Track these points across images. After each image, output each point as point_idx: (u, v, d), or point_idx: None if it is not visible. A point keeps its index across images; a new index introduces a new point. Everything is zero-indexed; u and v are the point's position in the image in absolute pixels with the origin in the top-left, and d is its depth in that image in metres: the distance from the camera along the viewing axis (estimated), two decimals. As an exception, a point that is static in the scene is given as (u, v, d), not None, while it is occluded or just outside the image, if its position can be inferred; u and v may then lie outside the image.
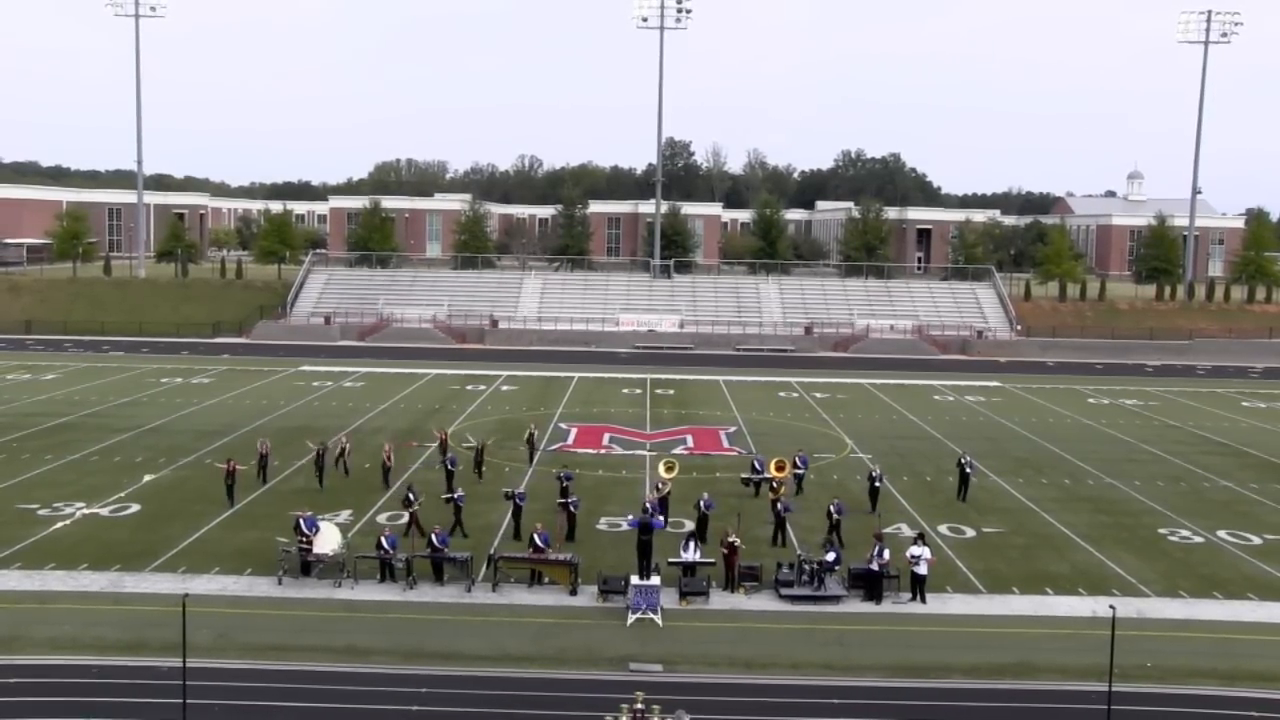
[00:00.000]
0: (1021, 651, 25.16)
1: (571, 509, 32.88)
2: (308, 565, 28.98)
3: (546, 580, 28.65)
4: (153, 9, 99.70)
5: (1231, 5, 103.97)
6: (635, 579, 27.14)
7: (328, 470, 39.25)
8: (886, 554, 28.38)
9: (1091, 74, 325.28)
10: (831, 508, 33.02)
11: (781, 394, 63.95)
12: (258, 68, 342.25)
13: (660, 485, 35.39)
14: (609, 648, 24.82)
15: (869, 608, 27.68)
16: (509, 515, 33.61)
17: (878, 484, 37.06)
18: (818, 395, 63.47)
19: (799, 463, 39.88)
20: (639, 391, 63.92)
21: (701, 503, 32.73)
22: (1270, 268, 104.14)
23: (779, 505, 33.26)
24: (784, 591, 28.10)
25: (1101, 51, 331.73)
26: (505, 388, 64.42)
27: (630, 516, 34.05)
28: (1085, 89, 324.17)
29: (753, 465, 39.84)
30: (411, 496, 32.50)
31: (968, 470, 39.32)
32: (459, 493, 34.10)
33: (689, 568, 28.35)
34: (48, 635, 24.74)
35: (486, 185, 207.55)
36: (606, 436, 49.30)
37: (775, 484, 35.96)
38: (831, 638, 25.79)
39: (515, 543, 31.59)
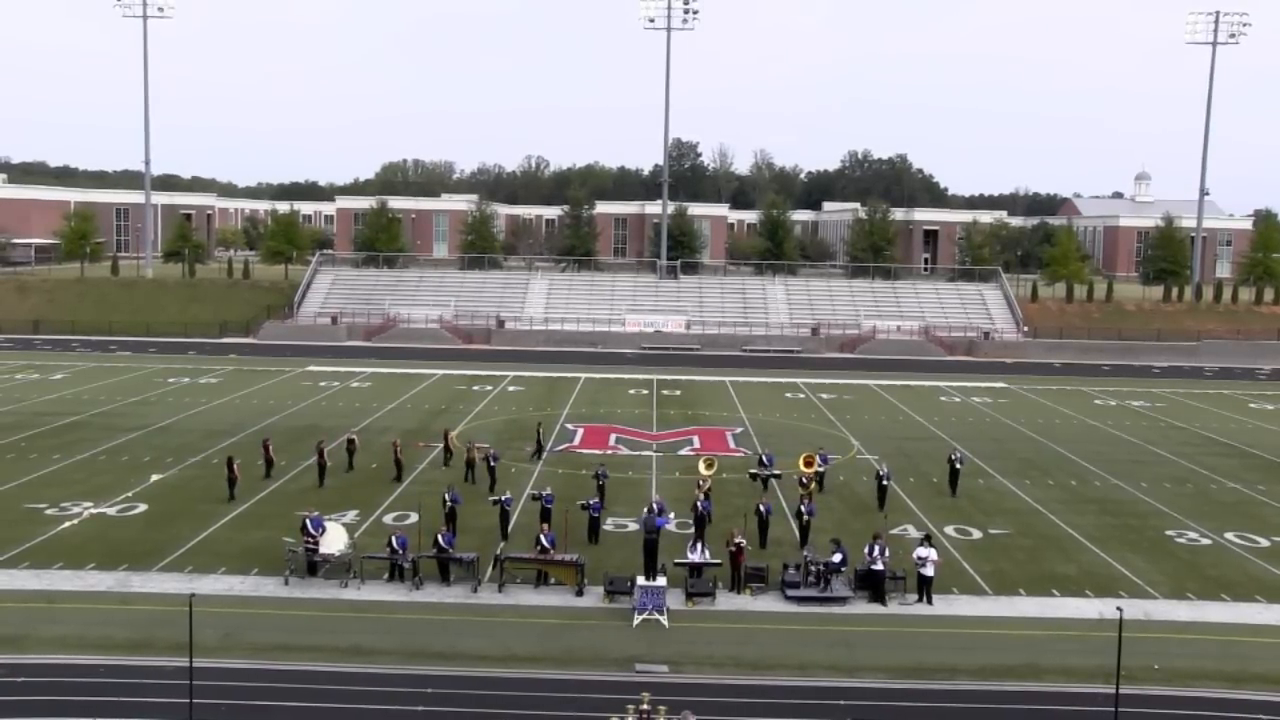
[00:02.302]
0: (1028, 653, 25.12)
1: (593, 513, 32.85)
2: (314, 565, 29.03)
3: (552, 581, 28.65)
4: (160, 10, 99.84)
5: (1239, 6, 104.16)
6: (641, 579, 27.15)
7: (336, 468, 39.59)
8: (887, 553, 28.36)
9: (1099, 75, 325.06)
10: (803, 508, 32.95)
11: (788, 395, 63.91)
12: (264, 68, 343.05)
13: (701, 482, 35.68)
14: (615, 648, 24.82)
15: (875, 609, 27.65)
16: (517, 515, 33.64)
17: (885, 483, 37.11)
18: (824, 396, 63.42)
19: (820, 460, 39.98)
20: (645, 392, 63.92)
21: (698, 503, 32.73)
22: (1278, 269, 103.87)
23: (802, 507, 33.15)
24: (790, 593, 28.08)
25: (1109, 52, 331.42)
26: (512, 388, 64.46)
27: (648, 511, 34.09)
28: (1093, 90, 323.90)
29: (760, 460, 39.95)
30: (448, 498, 32.57)
31: (958, 466, 39.43)
32: (506, 495, 34.13)
33: (695, 568, 28.35)
34: (55, 634, 24.79)
35: (493, 185, 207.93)
36: (613, 437, 49.30)
37: (805, 479, 36.24)
38: (838, 639, 25.77)
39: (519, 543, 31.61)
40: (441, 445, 43.27)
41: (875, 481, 37.66)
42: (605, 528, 33.63)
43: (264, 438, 41.92)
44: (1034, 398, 64.66)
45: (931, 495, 39.34)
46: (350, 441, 42.35)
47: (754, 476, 39.49)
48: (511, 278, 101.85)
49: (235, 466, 37.34)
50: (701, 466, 36.49)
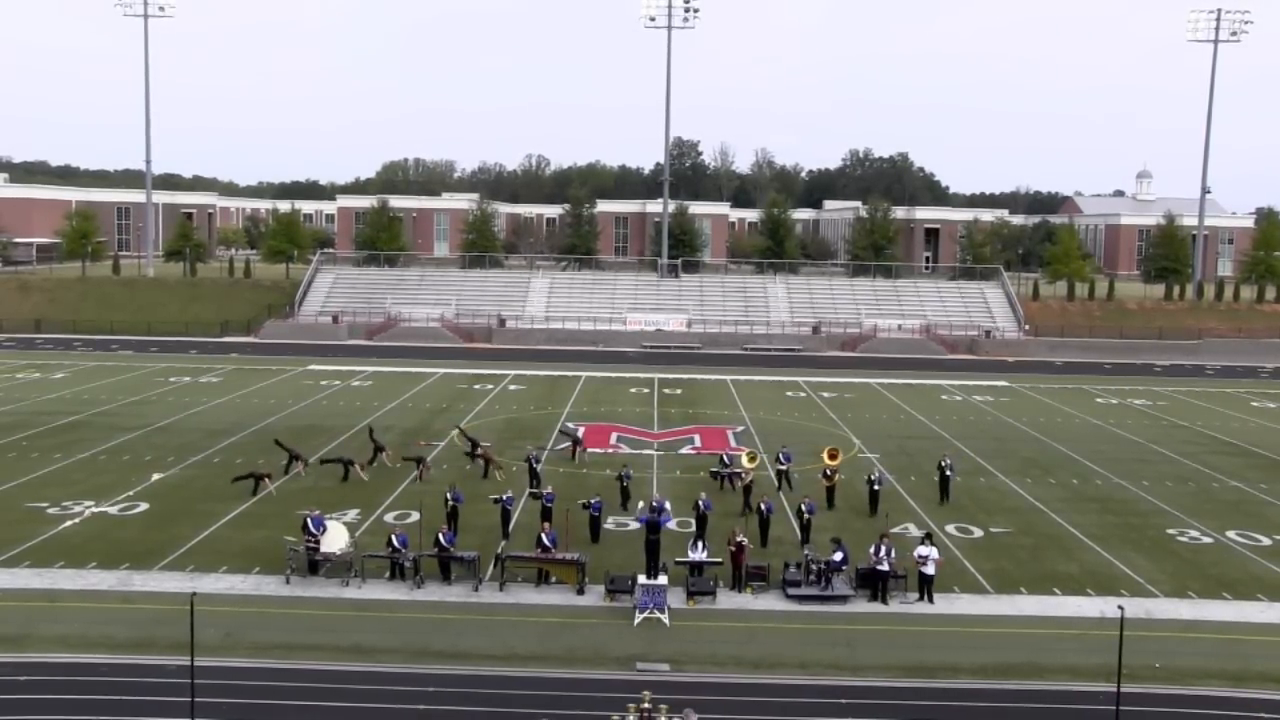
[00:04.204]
0: (1029, 652, 25.12)
1: (593, 512, 32.86)
2: (315, 564, 29.04)
3: (554, 580, 28.66)
4: (161, 9, 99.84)
5: (1241, 4, 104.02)
6: (643, 578, 27.15)
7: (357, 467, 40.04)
8: (894, 554, 28.34)
9: (1100, 73, 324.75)
10: (803, 506, 32.91)
11: (789, 394, 63.89)
12: (266, 68, 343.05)
13: (744, 475, 35.93)
14: (616, 647, 24.82)
15: (876, 608, 27.64)
16: (518, 514, 33.66)
17: (877, 488, 36.72)
18: (825, 395, 63.40)
19: (781, 459, 40.02)
20: (646, 391, 63.91)
21: (700, 503, 32.74)
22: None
23: (803, 505, 33.06)
24: (791, 591, 28.07)
25: (1110, 50, 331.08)
26: (513, 387, 64.45)
27: (640, 513, 34.06)
28: (1094, 88, 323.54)
29: (721, 459, 40.69)
30: (449, 496, 32.63)
31: (948, 473, 38.73)
32: (508, 495, 34.11)
33: (696, 567, 28.35)
34: (57, 633, 24.80)
35: (494, 185, 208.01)
36: (614, 436, 49.28)
37: (829, 472, 36.71)
38: (839, 638, 25.76)
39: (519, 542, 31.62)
40: (472, 453, 42.90)
41: (867, 487, 37.09)
42: (606, 526, 33.62)
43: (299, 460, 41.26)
44: (1035, 396, 64.64)
45: (932, 494, 39.25)
46: (379, 449, 42.38)
47: (714, 475, 39.67)
48: (512, 277, 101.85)
49: (268, 479, 37.53)
50: (744, 459, 36.87)
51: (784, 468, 39.62)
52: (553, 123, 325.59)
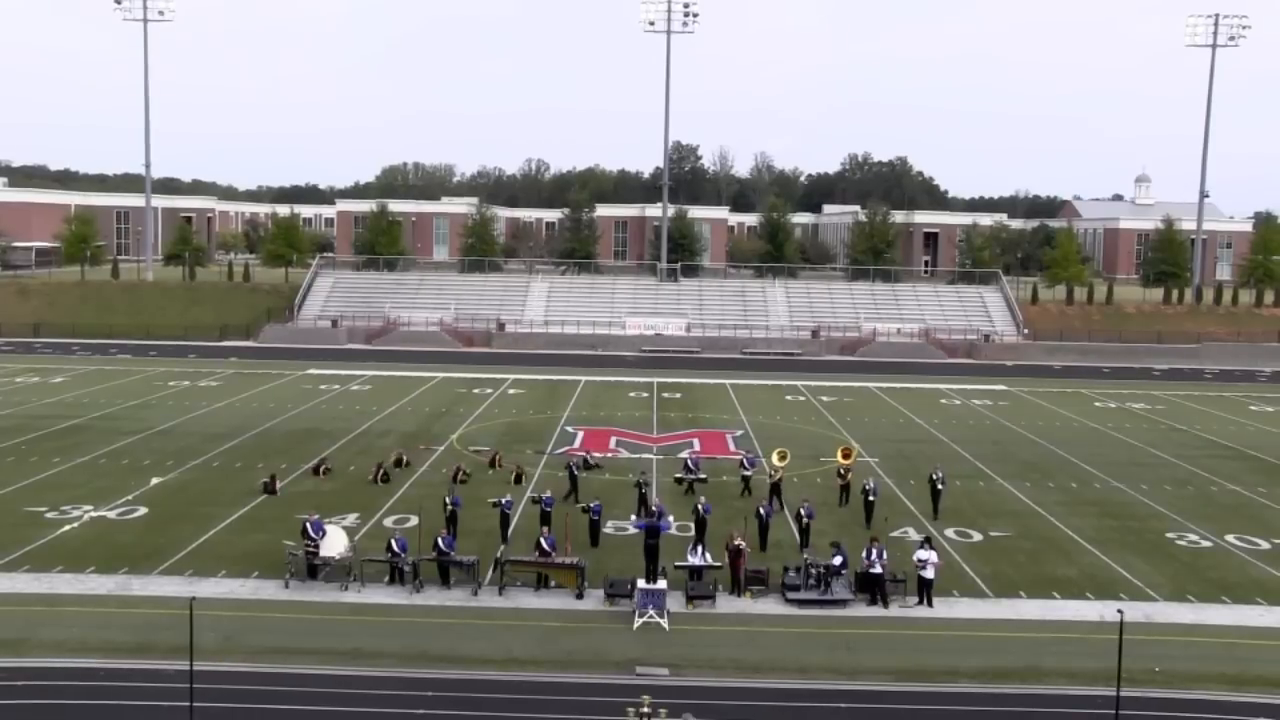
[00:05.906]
0: (1029, 655, 25.12)
1: (593, 515, 32.84)
2: (314, 568, 29.02)
3: (553, 583, 28.66)
4: (161, 13, 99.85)
5: (1239, 8, 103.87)
6: (642, 582, 27.15)
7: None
8: (885, 555, 28.35)
9: (1099, 77, 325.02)
10: (802, 510, 32.88)
11: (788, 397, 63.90)
12: (265, 72, 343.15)
13: (773, 473, 36.15)
14: (615, 651, 24.81)
15: (875, 611, 27.65)
16: (517, 518, 33.67)
17: (872, 498, 36.52)
18: (824, 398, 63.40)
19: (746, 464, 40.13)
20: (645, 395, 63.91)
21: (700, 506, 32.70)
22: (1278, 271, 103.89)
23: (801, 509, 33.04)
24: (790, 595, 28.08)
25: (1109, 55, 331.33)
26: (512, 391, 64.45)
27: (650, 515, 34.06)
28: (1093, 93, 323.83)
29: (685, 465, 40.91)
30: (448, 500, 32.69)
31: (939, 486, 37.77)
32: (507, 498, 34.08)
33: (696, 571, 28.35)
34: (55, 637, 24.79)
35: (493, 188, 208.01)
36: (613, 440, 49.28)
37: (842, 469, 37.11)
38: (838, 642, 25.76)
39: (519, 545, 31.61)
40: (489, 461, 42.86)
41: (862, 497, 36.64)
42: (606, 530, 33.61)
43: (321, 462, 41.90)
44: (1034, 400, 64.65)
45: (932, 498, 39.16)
46: (400, 458, 42.37)
47: (679, 481, 39.69)
48: (512, 281, 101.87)
49: (274, 477, 38.24)
50: (775, 458, 37.00)
51: (749, 474, 39.70)
52: (552, 127, 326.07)
